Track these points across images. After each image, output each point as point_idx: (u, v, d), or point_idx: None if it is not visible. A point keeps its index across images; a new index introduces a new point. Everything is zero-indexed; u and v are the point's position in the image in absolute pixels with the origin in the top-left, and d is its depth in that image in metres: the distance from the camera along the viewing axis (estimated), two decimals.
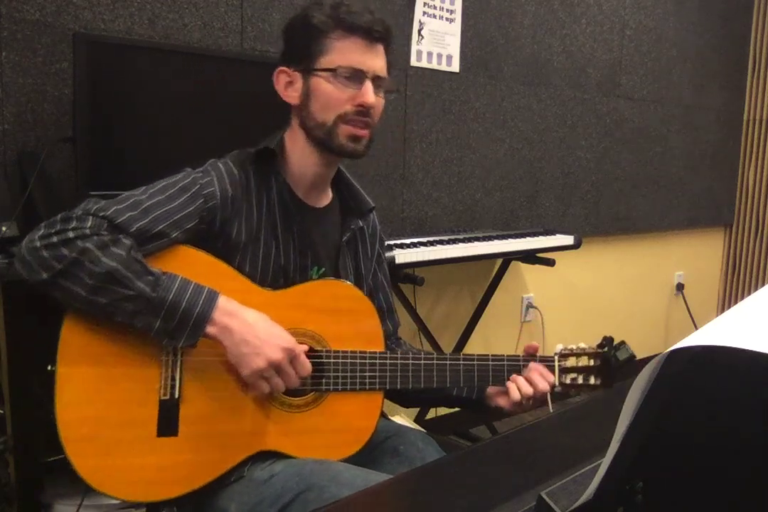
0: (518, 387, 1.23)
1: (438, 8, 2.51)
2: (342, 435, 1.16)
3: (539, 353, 1.30)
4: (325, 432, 1.15)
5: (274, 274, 1.19)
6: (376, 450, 1.23)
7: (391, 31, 1.21)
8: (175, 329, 1.03)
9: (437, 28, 2.52)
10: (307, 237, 1.24)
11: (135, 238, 1.05)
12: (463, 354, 1.25)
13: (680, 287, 3.82)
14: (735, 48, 3.82)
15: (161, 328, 1.02)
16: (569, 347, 1.31)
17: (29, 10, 1.69)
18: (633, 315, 3.56)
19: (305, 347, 1.12)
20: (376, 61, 1.18)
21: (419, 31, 2.47)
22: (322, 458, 1.12)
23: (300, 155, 1.23)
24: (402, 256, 2.05)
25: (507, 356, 1.26)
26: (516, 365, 1.26)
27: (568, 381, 1.29)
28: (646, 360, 0.52)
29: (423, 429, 1.50)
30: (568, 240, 2.58)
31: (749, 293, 2.91)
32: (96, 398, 1.03)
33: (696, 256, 3.93)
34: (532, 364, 1.26)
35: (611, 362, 1.28)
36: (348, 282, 1.22)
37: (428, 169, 2.58)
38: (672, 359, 0.50)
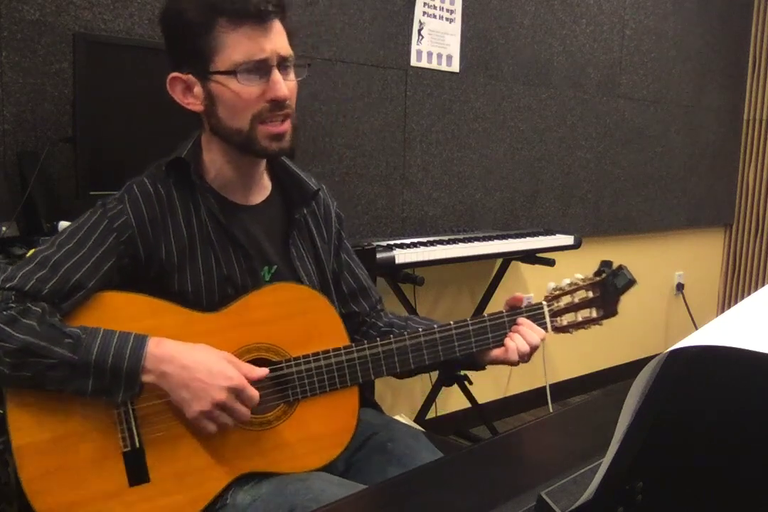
0: (517, 346, 1.14)
1: (438, 8, 2.51)
2: (322, 440, 1.12)
3: (524, 304, 1.19)
4: (303, 440, 1.11)
5: (220, 287, 1.12)
6: (364, 447, 1.20)
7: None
8: (109, 386, 0.99)
9: (437, 28, 2.52)
10: (249, 239, 1.16)
11: (50, 299, 1.01)
12: (440, 325, 1.14)
13: (680, 287, 3.82)
14: (735, 48, 3.81)
15: (95, 388, 0.98)
16: (560, 286, 1.21)
17: (29, 10, 1.69)
18: (633, 315, 3.56)
19: (263, 371, 1.05)
20: (275, 41, 1.06)
21: (419, 31, 2.47)
22: (308, 467, 1.09)
23: (221, 159, 1.15)
24: (402, 256, 2.05)
25: (488, 315, 1.16)
26: (500, 323, 1.17)
27: (564, 323, 1.20)
28: (646, 360, 0.52)
29: (422, 429, 1.50)
30: (568, 240, 2.58)
31: (749, 293, 2.91)
32: (59, 465, 1.01)
33: (696, 256, 3.93)
34: (520, 319, 1.17)
35: (610, 291, 1.18)
36: (291, 283, 1.16)
37: (428, 169, 2.58)
38: (672, 359, 0.50)
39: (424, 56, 2.51)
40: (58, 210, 1.62)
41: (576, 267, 3.20)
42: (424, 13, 2.48)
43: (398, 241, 2.19)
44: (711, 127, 3.76)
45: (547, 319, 1.19)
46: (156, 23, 1.87)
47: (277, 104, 1.07)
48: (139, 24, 1.86)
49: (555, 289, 1.20)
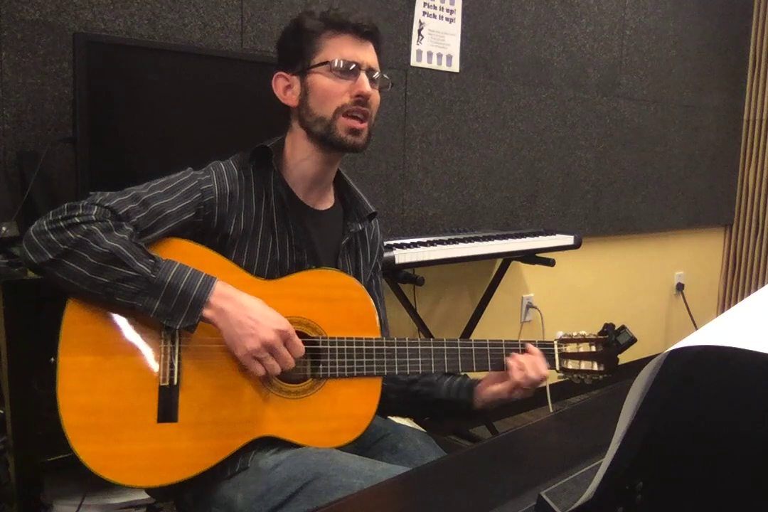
0: (519, 366, 1.22)
1: (438, 8, 2.51)
2: (341, 422, 1.17)
3: (538, 337, 1.32)
4: (324, 418, 1.16)
5: (270, 268, 1.21)
6: (374, 446, 1.25)
7: (379, 29, 1.26)
8: (173, 311, 1.05)
9: (437, 28, 2.52)
10: (305, 236, 1.25)
11: (135, 228, 1.09)
12: (461, 340, 1.24)
13: (680, 287, 3.82)
14: (735, 48, 3.81)
15: (160, 309, 1.05)
16: (569, 333, 1.31)
17: (29, 10, 1.69)
18: (633, 315, 3.56)
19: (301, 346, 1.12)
20: (367, 54, 1.24)
21: (419, 31, 2.47)
22: (324, 444, 1.14)
23: (300, 155, 1.26)
24: (402, 256, 2.05)
25: (505, 340, 1.26)
26: (515, 349, 1.26)
27: (569, 366, 1.29)
28: (646, 360, 0.52)
29: (423, 429, 1.50)
30: (568, 240, 2.58)
31: (749, 293, 2.91)
32: (97, 386, 1.05)
33: (696, 256, 3.93)
34: (530, 347, 1.26)
35: (613, 347, 1.28)
36: (341, 272, 1.24)
37: (428, 169, 2.58)
38: (672, 359, 0.50)
39: (424, 56, 2.50)
40: None
41: (576, 268, 3.21)
42: (424, 13, 2.48)
43: (398, 241, 2.19)
44: (711, 127, 3.76)
45: (557, 357, 1.29)
46: (156, 23, 1.88)
47: (360, 100, 1.21)
48: (139, 24, 1.86)
49: (564, 335, 1.31)
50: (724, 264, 4.13)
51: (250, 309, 1.08)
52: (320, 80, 1.21)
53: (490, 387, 1.27)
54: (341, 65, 1.20)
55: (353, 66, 1.21)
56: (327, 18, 1.22)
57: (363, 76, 1.22)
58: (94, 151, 1.59)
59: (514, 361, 1.23)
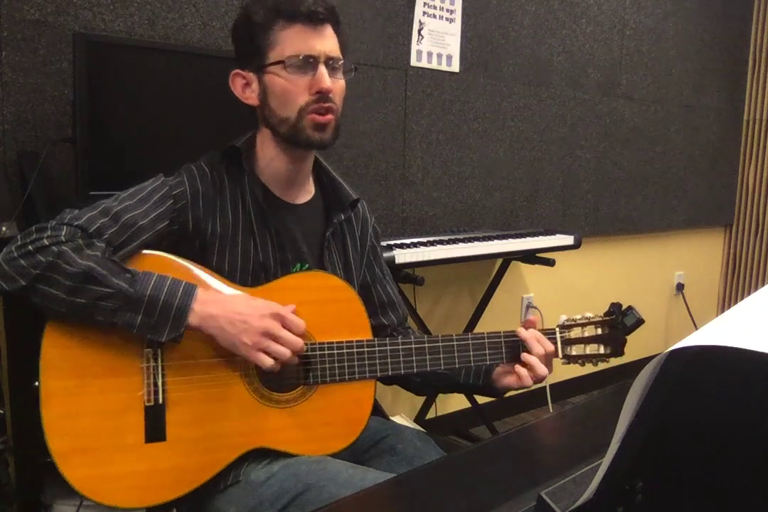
0: (528, 369, 1.20)
1: (438, 8, 2.51)
2: (334, 428, 1.14)
3: (539, 327, 1.24)
4: (317, 425, 1.13)
5: (254, 271, 1.18)
6: (373, 448, 1.23)
7: (335, 10, 1.18)
8: (157, 323, 1.02)
9: (437, 28, 2.52)
10: (286, 234, 1.22)
11: (108, 244, 1.06)
12: (457, 335, 1.20)
13: (680, 287, 3.82)
14: (735, 48, 3.81)
15: (143, 323, 1.02)
16: (573, 317, 1.26)
17: (29, 10, 1.69)
18: None
19: (292, 306, 1.11)
20: (325, 42, 1.16)
21: (419, 31, 2.47)
22: (317, 452, 1.12)
23: (269, 154, 1.22)
24: (402, 256, 2.05)
25: (504, 332, 1.22)
26: (514, 340, 1.21)
27: (573, 352, 1.24)
28: (646, 360, 0.52)
29: (423, 429, 1.51)
30: (568, 240, 2.58)
31: (749, 293, 2.91)
32: (82, 410, 1.03)
33: (696, 256, 3.93)
34: (533, 333, 1.21)
35: (619, 329, 1.23)
36: (327, 273, 1.21)
37: (428, 169, 2.58)
38: (672, 359, 0.50)
39: (424, 56, 2.50)
40: (58, 210, 1.62)
41: (576, 268, 3.20)
42: (424, 13, 2.48)
43: (398, 241, 2.19)
44: (711, 127, 3.76)
45: (559, 345, 1.24)
46: (156, 23, 1.88)
47: (322, 96, 1.14)
48: (139, 24, 1.86)
49: (568, 320, 1.26)
50: (724, 264, 4.12)
51: (235, 305, 1.06)
52: (277, 80, 1.15)
53: (502, 380, 1.26)
54: (297, 61, 1.13)
55: (310, 59, 1.14)
56: (276, 8, 1.14)
57: (321, 69, 1.14)
58: (94, 151, 1.59)
59: (524, 363, 1.20)
